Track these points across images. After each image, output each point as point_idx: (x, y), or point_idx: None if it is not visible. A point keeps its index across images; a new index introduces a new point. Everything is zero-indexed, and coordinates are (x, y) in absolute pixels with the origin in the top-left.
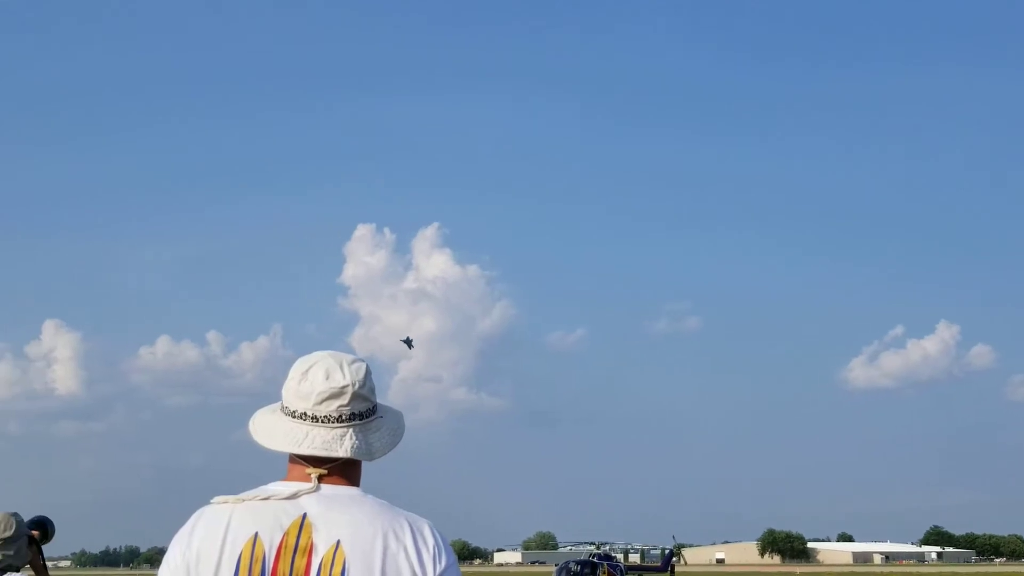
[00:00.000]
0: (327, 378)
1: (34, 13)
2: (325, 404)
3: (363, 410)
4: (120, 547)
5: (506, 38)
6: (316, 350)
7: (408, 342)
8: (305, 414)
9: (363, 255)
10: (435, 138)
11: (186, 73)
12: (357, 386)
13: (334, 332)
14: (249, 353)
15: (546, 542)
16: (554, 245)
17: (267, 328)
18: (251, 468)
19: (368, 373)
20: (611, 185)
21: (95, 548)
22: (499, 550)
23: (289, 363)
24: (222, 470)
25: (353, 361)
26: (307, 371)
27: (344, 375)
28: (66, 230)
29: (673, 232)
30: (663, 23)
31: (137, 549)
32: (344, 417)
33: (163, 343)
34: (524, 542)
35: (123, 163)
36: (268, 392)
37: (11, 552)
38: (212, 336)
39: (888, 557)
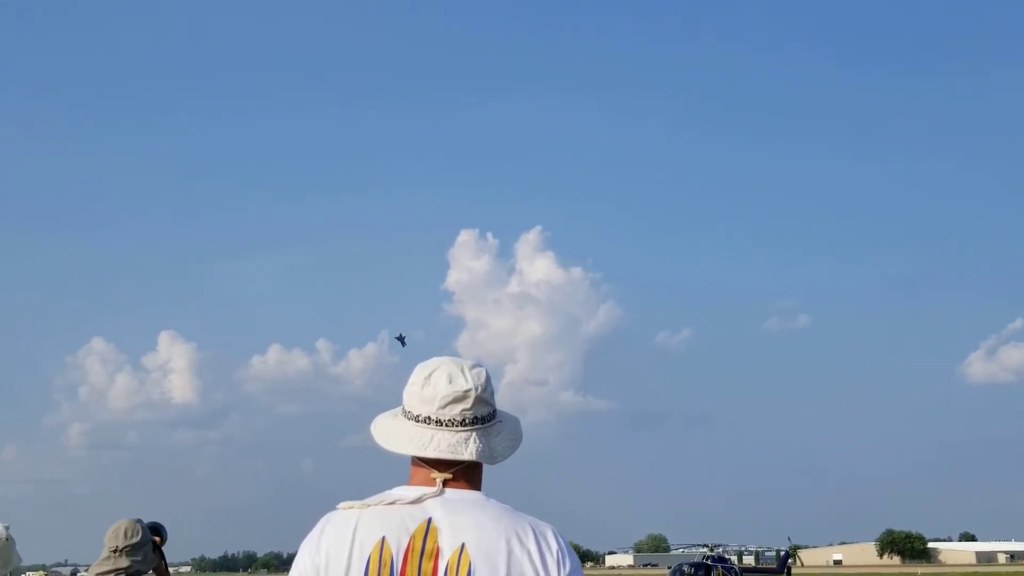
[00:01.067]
0: (450, 382)
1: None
2: (449, 408)
3: (485, 414)
4: (238, 552)
5: (606, 44)
6: (423, 356)
7: (401, 339)
8: (429, 418)
9: (467, 260)
10: (536, 142)
11: (288, 80)
12: (480, 390)
13: (440, 338)
14: (358, 360)
15: (658, 544)
16: (657, 245)
17: (375, 335)
18: (361, 473)
19: (488, 378)
20: (714, 184)
21: (214, 554)
22: (610, 552)
23: (397, 369)
24: (333, 475)
25: (474, 366)
26: (429, 376)
27: (466, 379)
28: (179, 244)
29: (778, 228)
30: (772, 32)
31: (254, 554)
32: (467, 421)
33: (274, 352)
34: (636, 544)
35: (232, 175)
36: (377, 398)
37: (139, 558)
38: (321, 344)
39: (1014, 556)
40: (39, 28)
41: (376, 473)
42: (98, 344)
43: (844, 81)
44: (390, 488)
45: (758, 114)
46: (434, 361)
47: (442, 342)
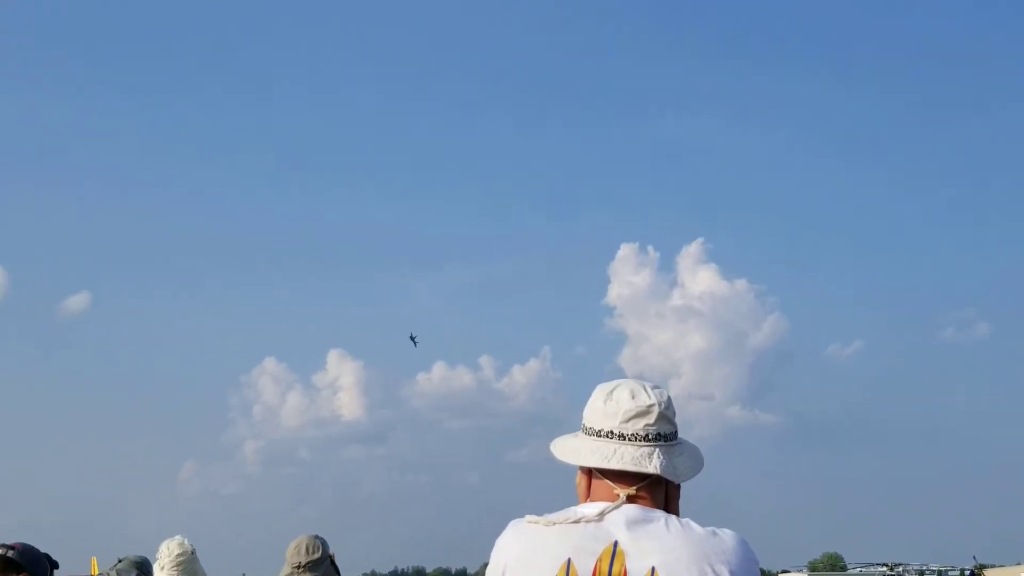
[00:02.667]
0: (633, 398)
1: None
2: (632, 423)
3: (668, 432)
4: (407, 567)
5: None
6: (586, 371)
7: (413, 339)
8: (612, 432)
9: (627, 275)
10: (695, 153)
11: (460, 97)
12: (663, 407)
13: (603, 353)
14: (520, 376)
15: (834, 563)
16: (824, 254)
17: (537, 351)
18: (527, 488)
19: (670, 398)
20: (885, 187)
21: (384, 568)
22: (783, 572)
23: (560, 385)
24: (499, 490)
25: (655, 386)
26: (612, 392)
27: (649, 396)
28: (346, 265)
29: (952, 233)
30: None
31: (423, 569)
32: (650, 436)
33: (439, 368)
34: (810, 563)
35: (397, 194)
36: (541, 413)
37: (319, 573)
38: (484, 360)
39: None
40: None
41: (543, 488)
42: (270, 364)
43: None
44: (559, 503)
45: (927, 94)
46: (616, 380)
47: (604, 357)
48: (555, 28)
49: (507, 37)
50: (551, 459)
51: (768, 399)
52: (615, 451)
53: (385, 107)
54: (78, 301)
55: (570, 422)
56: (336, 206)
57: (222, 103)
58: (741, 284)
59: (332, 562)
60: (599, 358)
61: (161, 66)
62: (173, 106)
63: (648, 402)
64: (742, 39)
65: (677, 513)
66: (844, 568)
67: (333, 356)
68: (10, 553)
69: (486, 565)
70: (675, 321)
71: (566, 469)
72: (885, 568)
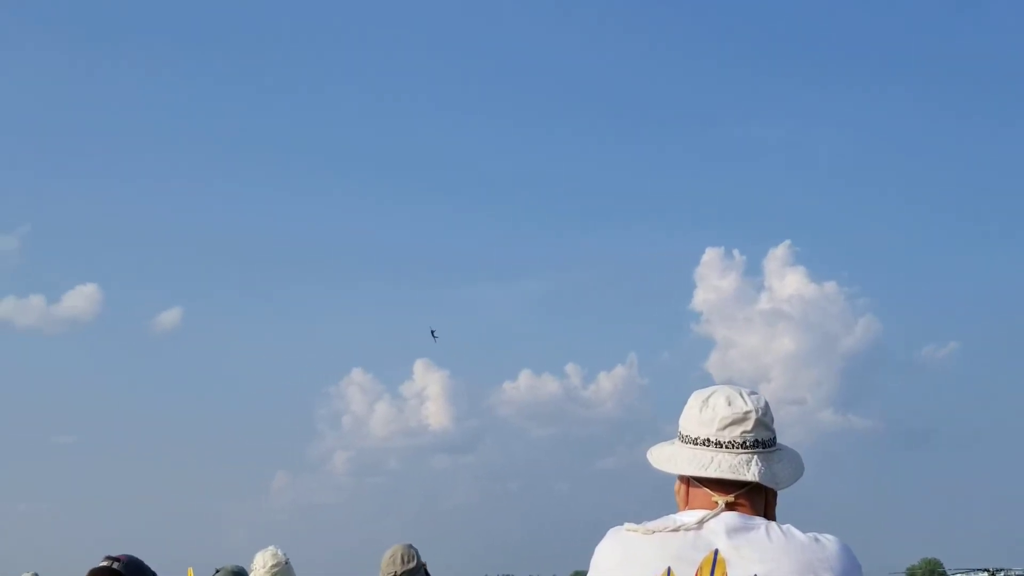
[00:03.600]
0: (729, 404)
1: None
2: (728, 430)
3: (766, 439)
4: None
5: (837, 30)
6: (673, 377)
7: (432, 334)
8: (708, 440)
9: (713, 279)
10: (777, 153)
11: (543, 112)
12: (760, 413)
13: (689, 359)
14: (607, 383)
15: (933, 568)
16: (916, 254)
17: (623, 357)
18: (616, 496)
19: (768, 404)
20: (975, 184)
21: None
22: None
23: (647, 391)
24: (588, 498)
25: (752, 392)
26: (707, 399)
27: (746, 402)
28: (427, 275)
29: None
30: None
31: None
32: (748, 443)
33: (525, 377)
34: (908, 569)
35: (476, 206)
36: (628, 420)
37: None
38: (570, 368)
39: None
40: None
41: (631, 497)
42: (358, 375)
43: None
44: (649, 509)
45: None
46: (711, 387)
47: (691, 363)
48: (624, 40)
49: (581, 51)
50: (640, 466)
51: (861, 403)
52: (712, 459)
53: (459, 122)
54: (170, 316)
55: (658, 429)
56: (419, 218)
57: (324, 108)
58: (831, 286)
59: (425, 571)
60: (686, 364)
61: (256, 67)
62: (259, 113)
63: (745, 408)
64: (822, 44)
65: (774, 519)
66: (943, 573)
67: (419, 366)
68: (115, 565)
69: (577, 573)
70: (763, 325)
71: (656, 476)
72: (987, 573)
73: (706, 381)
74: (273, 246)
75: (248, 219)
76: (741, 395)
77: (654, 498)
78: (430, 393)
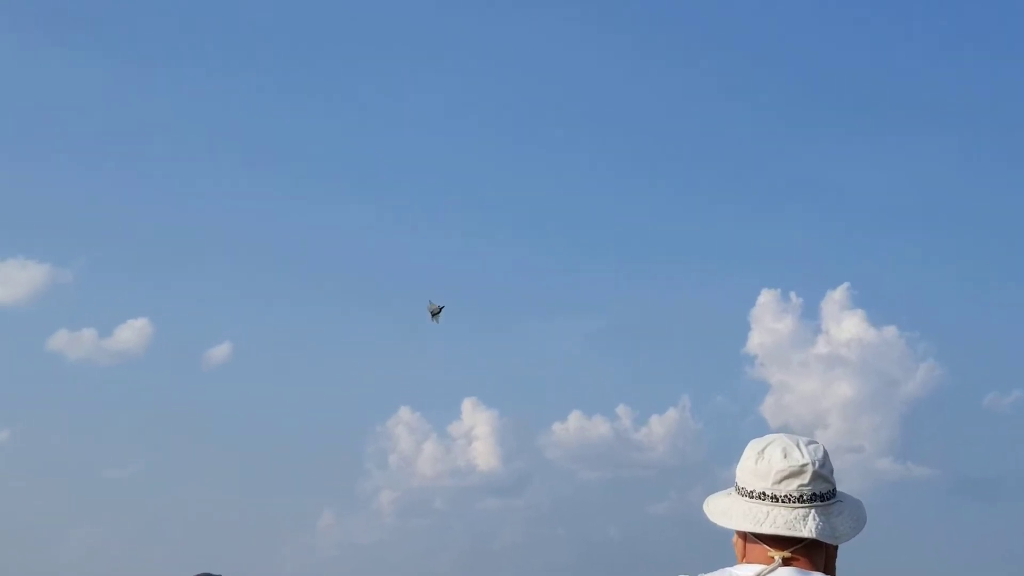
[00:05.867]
0: (785, 456)
1: None
2: (785, 483)
3: (824, 491)
4: None
5: (906, 78)
6: (727, 421)
7: (438, 313)
8: (764, 494)
9: (769, 322)
10: (839, 191)
11: (590, 145)
12: (817, 465)
13: (744, 402)
14: (659, 426)
15: None
16: (980, 299)
17: (675, 400)
18: (669, 543)
19: (827, 454)
20: None
21: None
22: None
23: (700, 435)
24: (640, 543)
25: (810, 442)
26: (763, 450)
27: (803, 454)
28: (478, 313)
29: None
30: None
31: None
32: (805, 497)
33: (575, 418)
34: None
35: (527, 238)
36: (681, 465)
37: None
38: (621, 410)
39: None
40: None
41: (682, 544)
42: (405, 413)
43: None
44: (701, 557)
45: None
46: (768, 436)
47: (746, 407)
48: (686, 84)
49: (643, 93)
50: (692, 512)
51: (922, 451)
52: (768, 514)
53: (516, 154)
54: (220, 352)
55: (712, 473)
56: (468, 254)
57: (346, 139)
58: (891, 331)
59: None
60: (740, 408)
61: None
62: (304, 141)
63: (801, 461)
64: (870, 83)
65: (834, 572)
66: None
67: (467, 405)
68: None
69: None
70: (820, 370)
71: (712, 523)
72: None
73: (760, 426)
74: (321, 281)
75: (296, 252)
76: (798, 446)
77: (707, 546)
78: (478, 433)
